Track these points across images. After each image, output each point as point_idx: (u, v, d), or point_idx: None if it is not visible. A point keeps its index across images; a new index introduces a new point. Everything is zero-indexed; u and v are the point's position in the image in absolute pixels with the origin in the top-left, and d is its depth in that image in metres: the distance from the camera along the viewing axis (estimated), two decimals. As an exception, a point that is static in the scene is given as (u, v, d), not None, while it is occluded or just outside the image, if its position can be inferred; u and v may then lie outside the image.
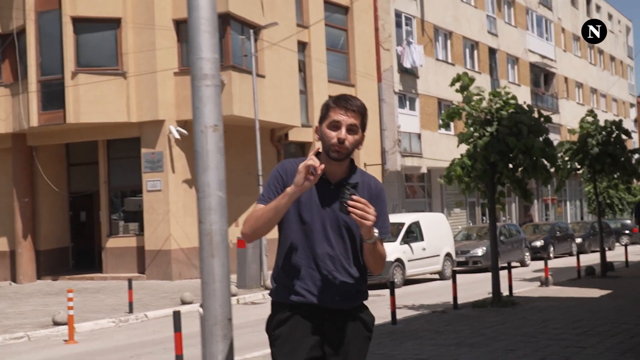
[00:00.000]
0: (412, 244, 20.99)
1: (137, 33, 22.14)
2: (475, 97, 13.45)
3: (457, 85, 13.47)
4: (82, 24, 21.94)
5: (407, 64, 31.43)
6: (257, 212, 3.50)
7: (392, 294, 11.73)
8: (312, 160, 3.30)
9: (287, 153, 26.49)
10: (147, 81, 21.94)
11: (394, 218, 23.21)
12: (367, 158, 29.84)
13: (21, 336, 12.78)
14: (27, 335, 12.87)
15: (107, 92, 21.80)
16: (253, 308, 16.49)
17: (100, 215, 23.84)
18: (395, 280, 19.93)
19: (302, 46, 26.99)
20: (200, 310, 4.29)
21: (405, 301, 16.08)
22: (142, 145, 22.33)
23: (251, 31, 21.41)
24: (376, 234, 3.46)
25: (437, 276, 22.17)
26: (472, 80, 13.48)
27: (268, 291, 19.04)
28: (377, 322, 11.42)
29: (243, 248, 19.86)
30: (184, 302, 16.86)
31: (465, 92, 13.43)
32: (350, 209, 3.29)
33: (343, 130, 3.46)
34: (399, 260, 20.22)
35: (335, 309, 3.53)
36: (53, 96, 21.90)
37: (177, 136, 21.79)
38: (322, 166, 3.31)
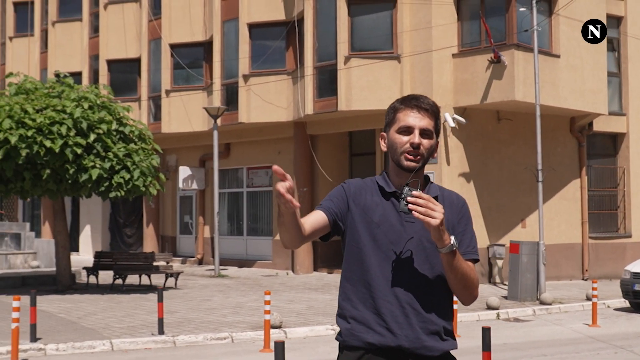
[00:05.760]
0: None
1: (414, 12, 20.35)
2: None
3: None
4: (357, 6, 20.73)
5: None
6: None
7: None
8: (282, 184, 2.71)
9: (591, 145, 22.84)
10: (422, 64, 20.05)
11: None
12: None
13: (224, 337, 11.77)
14: (231, 336, 11.83)
15: (379, 77, 20.36)
16: (513, 326, 13.84)
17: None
18: None
19: (615, 21, 23.07)
20: None
21: None
22: (416, 134, 20.53)
23: (534, 2, 18.29)
24: (452, 241, 2.89)
25: None
26: None
27: (541, 306, 16.16)
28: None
29: (516, 254, 17.16)
30: (489, 307, 14.87)
31: None
32: (411, 206, 2.81)
33: (416, 133, 3.05)
34: None
35: (419, 355, 3.00)
36: (327, 83, 21.11)
37: (453, 124, 19.62)
38: (287, 190, 2.72)
